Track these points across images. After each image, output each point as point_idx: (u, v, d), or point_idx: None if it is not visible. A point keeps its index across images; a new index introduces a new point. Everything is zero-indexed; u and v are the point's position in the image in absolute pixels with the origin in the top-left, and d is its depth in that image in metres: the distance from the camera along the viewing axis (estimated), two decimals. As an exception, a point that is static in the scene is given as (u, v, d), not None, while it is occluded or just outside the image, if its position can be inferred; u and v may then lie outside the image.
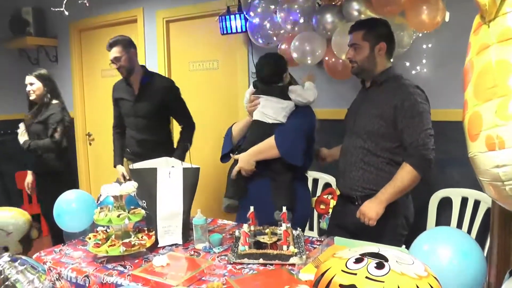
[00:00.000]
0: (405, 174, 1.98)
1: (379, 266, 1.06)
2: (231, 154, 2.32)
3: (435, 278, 1.08)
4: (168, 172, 2.10)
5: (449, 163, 2.83)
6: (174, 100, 3.08)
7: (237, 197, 2.31)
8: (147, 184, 2.09)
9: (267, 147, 2.22)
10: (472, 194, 2.75)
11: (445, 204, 2.88)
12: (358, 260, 1.11)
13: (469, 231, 2.71)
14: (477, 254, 1.41)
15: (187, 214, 2.13)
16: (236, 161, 2.31)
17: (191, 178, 2.12)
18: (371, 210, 2.00)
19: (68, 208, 2.15)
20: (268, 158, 2.24)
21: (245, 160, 2.25)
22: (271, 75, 2.32)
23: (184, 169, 2.11)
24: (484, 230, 2.65)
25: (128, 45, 2.96)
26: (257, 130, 2.31)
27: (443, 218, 2.88)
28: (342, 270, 1.09)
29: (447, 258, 1.41)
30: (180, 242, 2.08)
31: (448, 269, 1.37)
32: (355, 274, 1.06)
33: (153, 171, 2.09)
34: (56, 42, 4.89)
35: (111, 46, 2.92)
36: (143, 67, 3.13)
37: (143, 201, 2.12)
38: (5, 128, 4.73)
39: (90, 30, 4.75)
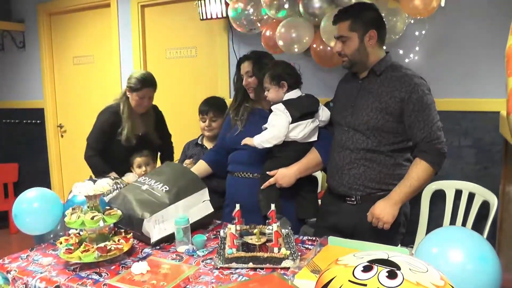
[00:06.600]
0: (421, 172, 1.85)
1: (391, 275, 0.94)
2: (267, 172, 2.10)
3: (452, 287, 0.97)
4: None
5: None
6: None
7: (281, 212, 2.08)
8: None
9: (315, 164, 2.15)
10: (466, 187, 2.67)
11: (437, 197, 2.79)
12: (366, 268, 0.99)
13: (463, 225, 2.62)
14: (493, 258, 1.29)
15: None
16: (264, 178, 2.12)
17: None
18: (387, 213, 1.86)
19: (29, 208, 1.97)
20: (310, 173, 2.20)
21: (289, 177, 2.08)
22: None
23: None
24: (479, 224, 2.57)
25: None
26: (296, 148, 2.12)
27: (436, 212, 2.79)
28: (349, 281, 0.97)
29: (460, 263, 1.29)
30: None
31: (462, 275, 1.25)
32: (365, 285, 0.94)
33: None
34: (23, 26, 4.58)
35: None
36: None
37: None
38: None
39: (61, 14, 4.48)
